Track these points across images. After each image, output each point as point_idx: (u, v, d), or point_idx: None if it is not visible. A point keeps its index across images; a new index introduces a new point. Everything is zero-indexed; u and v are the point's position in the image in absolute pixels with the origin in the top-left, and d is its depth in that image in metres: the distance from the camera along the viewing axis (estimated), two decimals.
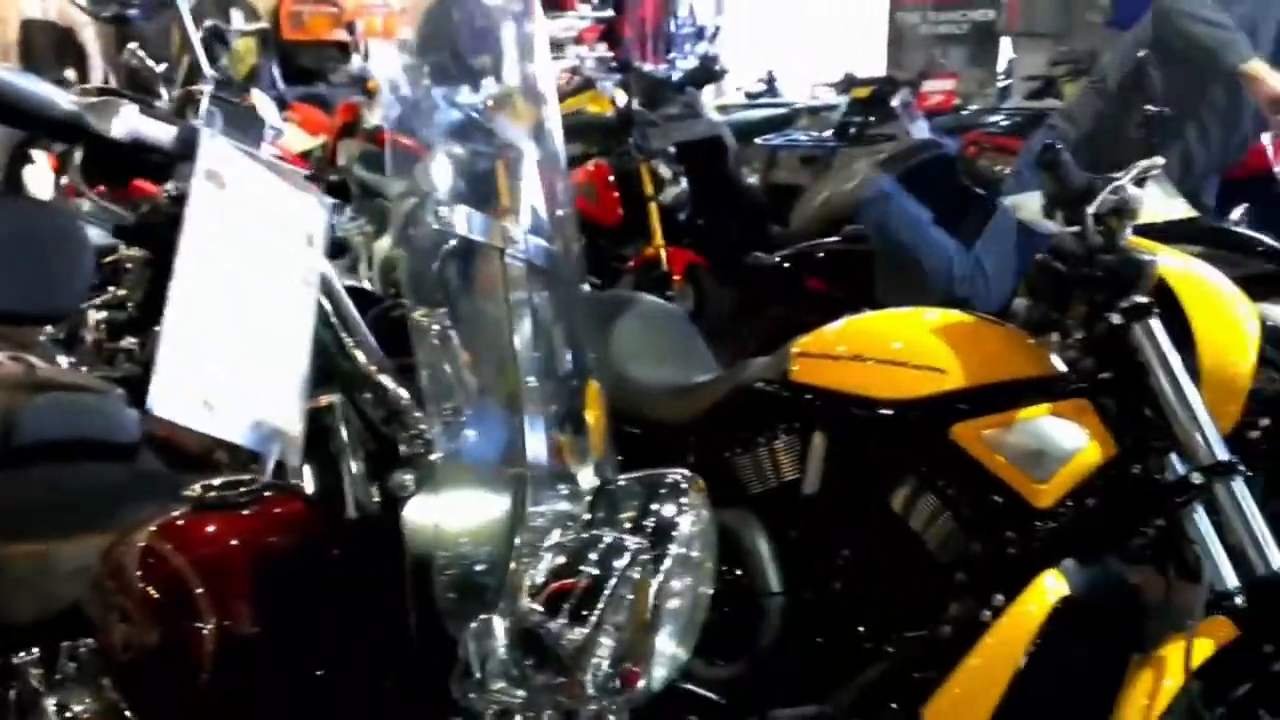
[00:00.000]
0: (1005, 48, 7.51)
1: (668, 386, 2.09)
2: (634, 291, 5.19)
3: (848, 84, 5.96)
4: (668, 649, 0.91)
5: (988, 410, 1.64)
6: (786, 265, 3.52)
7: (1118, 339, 1.56)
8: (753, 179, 5.91)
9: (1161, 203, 1.74)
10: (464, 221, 0.94)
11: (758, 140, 6.17)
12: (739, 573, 1.80)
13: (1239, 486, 1.48)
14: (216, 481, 0.98)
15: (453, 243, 0.97)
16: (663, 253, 5.22)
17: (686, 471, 0.92)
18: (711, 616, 1.81)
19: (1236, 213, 2.50)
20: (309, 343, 0.88)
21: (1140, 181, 1.60)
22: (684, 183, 5.35)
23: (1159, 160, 1.63)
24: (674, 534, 0.88)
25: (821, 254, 3.50)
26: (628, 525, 0.88)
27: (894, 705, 1.61)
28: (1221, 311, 1.65)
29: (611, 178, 5.27)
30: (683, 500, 0.90)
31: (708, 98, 7.52)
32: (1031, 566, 1.57)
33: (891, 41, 8.24)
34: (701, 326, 5.44)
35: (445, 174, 0.99)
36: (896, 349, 1.75)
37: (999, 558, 1.60)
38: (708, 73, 7.04)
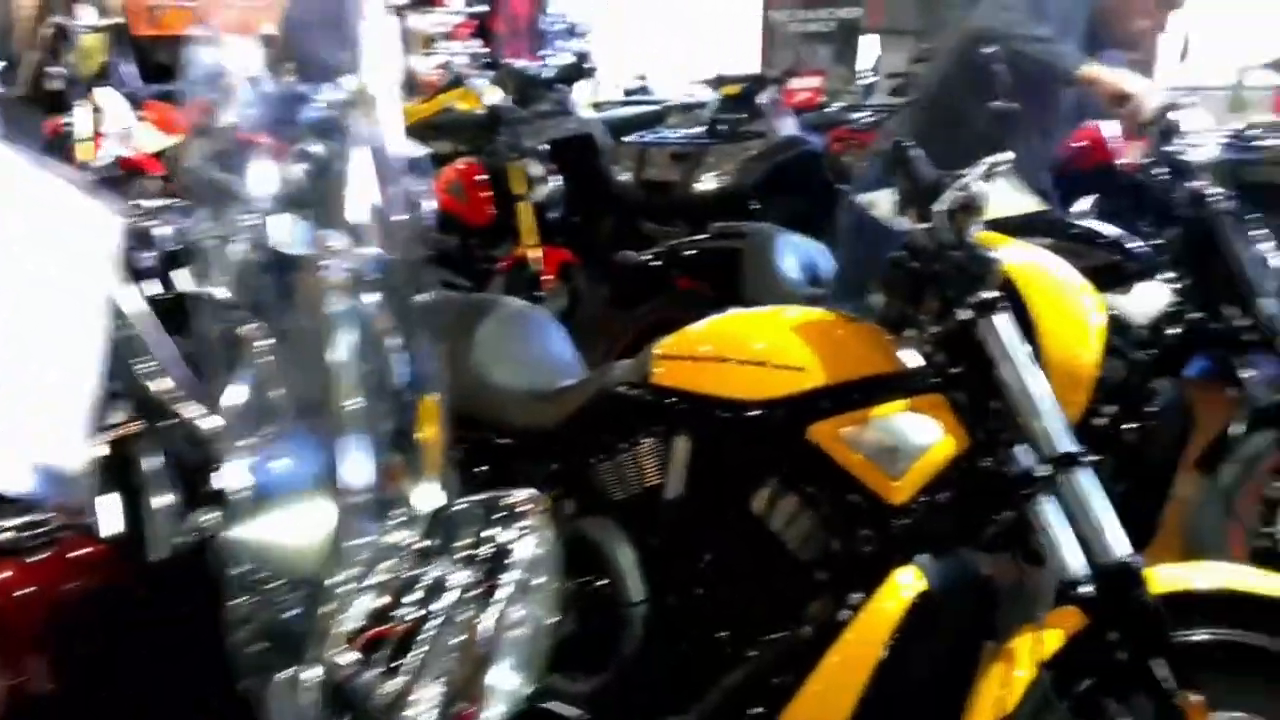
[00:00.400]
0: (873, 45, 7.68)
1: (531, 392, 2.04)
2: (500, 294, 5.15)
3: (718, 82, 6.00)
4: (507, 682, 0.86)
5: (845, 408, 1.64)
6: (655, 263, 3.49)
7: (967, 334, 1.58)
8: (625, 176, 5.88)
9: (1010, 198, 1.77)
10: (282, 231, 0.88)
11: (629, 138, 6.15)
12: (602, 583, 1.76)
13: (1086, 476, 1.52)
14: (8, 523, 0.89)
15: (276, 251, 0.90)
16: (535, 252, 5.17)
17: (530, 491, 0.87)
18: (573, 629, 1.79)
19: (1086, 203, 2.58)
20: (96, 372, 0.81)
21: (988, 177, 1.62)
22: (555, 181, 5.30)
23: (1007, 155, 1.65)
24: (513, 561, 0.83)
25: (690, 251, 3.49)
26: (463, 554, 0.83)
27: (755, 710, 1.60)
28: (1065, 304, 1.69)
29: (481, 176, 5.18)
30: (524, 524, 0.85)
31: (581, 95, 7.50)
32: (889, 563, 1.58)
33: (765, 39, 8.35)
34: (576, 326, 5.42)
35: (273, 179, 0.92)
36: (756, 349, 1.74)
37: (857, 556, 1.61)
38: (579, 69, 6.99)
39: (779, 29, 8.19)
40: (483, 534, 0.84)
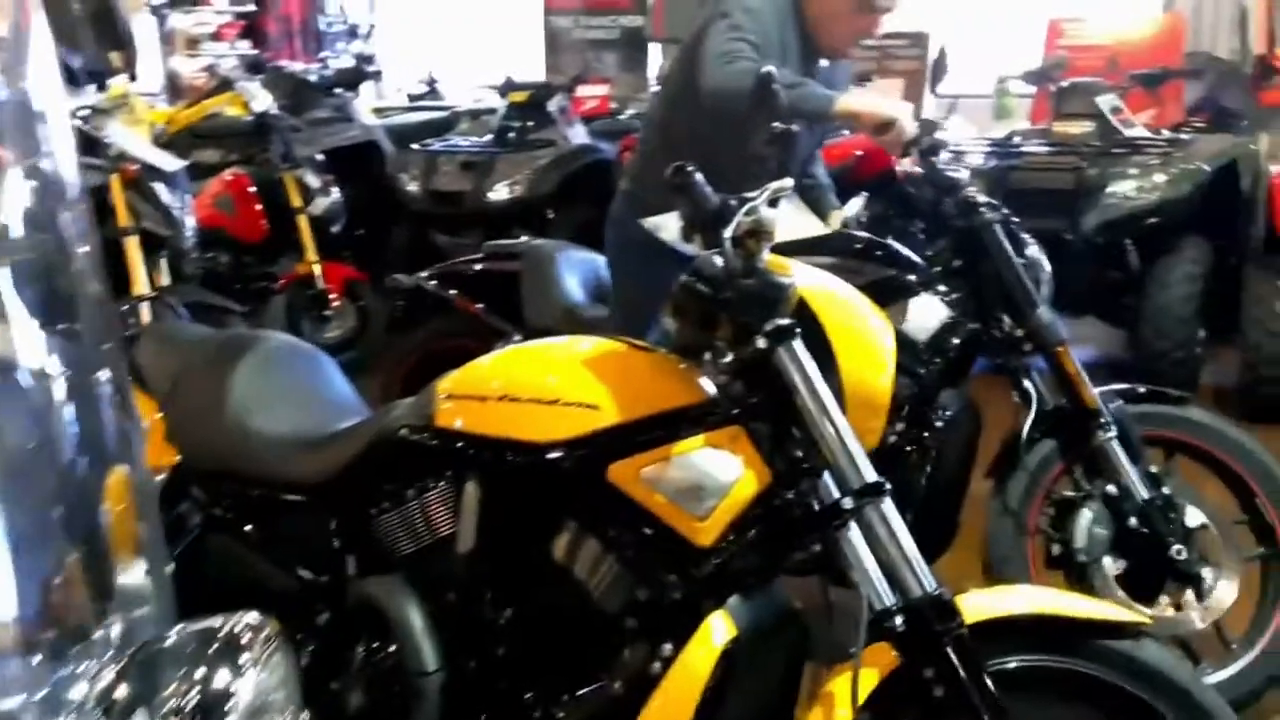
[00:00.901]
0: (658, 54, 7.72)
1: (301, 439, 1.84)
2: (280, 316, 4.82)
3: (507, 88, 5.83)
4: None
5: (644, 447, 1.54)
6: (431, 284, 3.31)
7: (764, 363, 1.51)
8: (413, 186, 5.64)
9: (796, 220, 1.72)
10: None
11: (416, 145, 5.91)
12: (390, 651, 1.59)
13: (888, 507, 1.47)
14: None
15: None
16: (316, 269, 4.87)
17: (254, 615, 0.71)
18: (360, 706, 1.62)
19: (856, 204, 2.56)
20: None
21: (774, 201, 1.55)
22: (335, 192, 5.01)
23: (788, 181, 1.60)
24: (234, 708, 0.67)
25: (466, 272, 3.34)
26: (168, 707, 0.66)
27: None
28: (859, 330, 1.65)
29: (252, 188, 4.83)
30: (245, 657, 0.69)
31: (364, 100, 7.18)
32: (700, 608, 1.49)
33: (548, 45, 8.23)
34: (367, 350, 5.14)
35: None
36: (547, 386, 1.61)
37: (666, 603, 1.51)
38: (359, 73, 6.69)
39: (561, 35, 8.11)
40: (195, 675, 0.67)
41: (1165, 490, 2.21)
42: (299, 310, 4.82)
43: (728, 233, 1.48)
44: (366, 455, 1.74)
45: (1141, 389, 2.39)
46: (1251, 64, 5.74)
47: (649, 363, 1.66)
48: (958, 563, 2.28)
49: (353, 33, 10.82)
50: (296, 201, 4.89)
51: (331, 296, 4.89)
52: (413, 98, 8.56)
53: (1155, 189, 3.99)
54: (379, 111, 7.32)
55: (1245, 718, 2.12)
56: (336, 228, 5.11)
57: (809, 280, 1.65)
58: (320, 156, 5.13)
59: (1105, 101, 4.22)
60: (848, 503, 1.46)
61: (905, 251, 2.34)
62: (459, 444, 1.65)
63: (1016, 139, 4.38)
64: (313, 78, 6.78)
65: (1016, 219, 4.05)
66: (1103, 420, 2.22)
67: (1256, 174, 4.46)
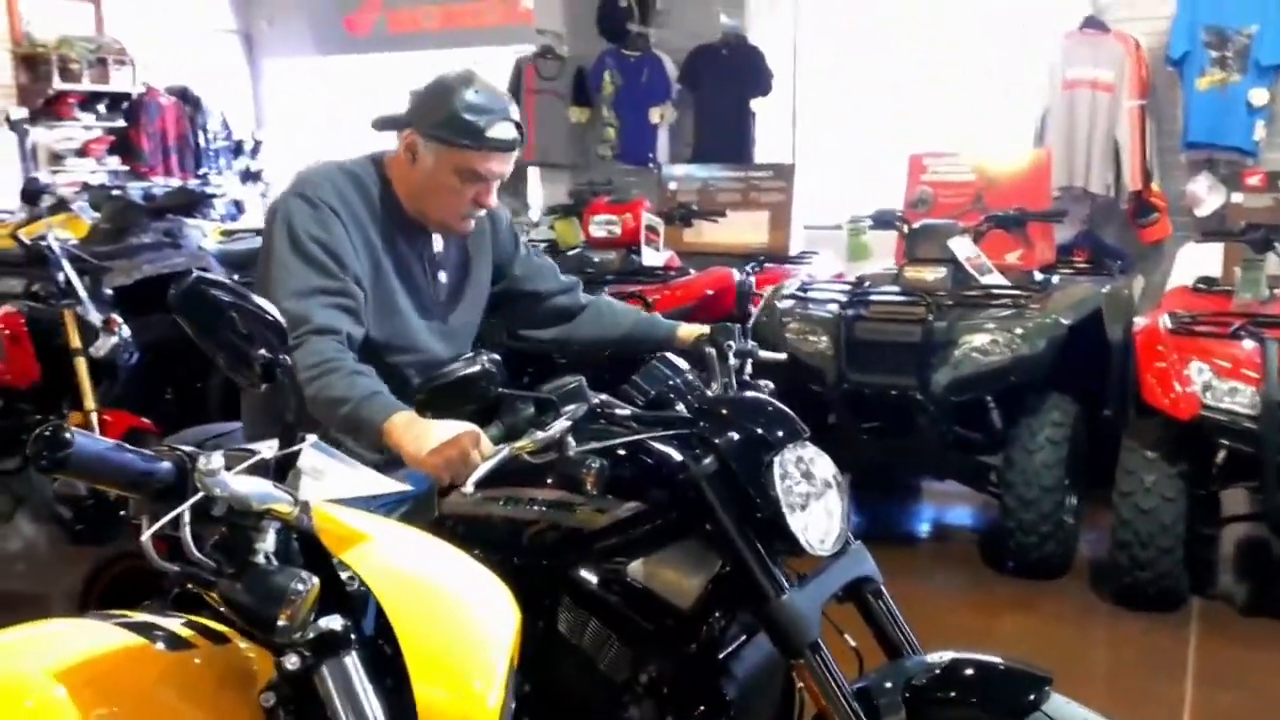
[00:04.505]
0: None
1: None
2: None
3: None
4: None
5: None
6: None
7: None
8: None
9: (336, 476, 1.22)
10: None
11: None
12: None
13: None
14: None
15: None
16: (94, 418, 4.28)
17: None
18: None
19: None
20: None
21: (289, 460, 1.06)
22: (123, 331, 4.45)
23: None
24: None
25: None
26: None
27: None
28: (442, 639, 1.17)
29: (24, 327, 4.26)
30: None
31: (209, 224, 6.71)
32: None
33: None
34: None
35: None
36: None
37: None
38: (190, 195, 6.24)
39: None
40: None
41: None
42: None
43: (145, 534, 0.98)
44: None
45: None
46: (1127, 199, 5.50)
47: (169, 669, 1.15)
48: None
49: (238, 149, 10.43)
50: (75, 342, 4.32)
51: None
52: None
53: (1009, 345, 3.58)
54: (228, 234, 6.81)
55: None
56: (128, 369, 4.53)
57: (380, 559, 1.15)
58: (108, 292, 4.57)
59: (958, 245, 3.85)
60: None
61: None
62: None
63: (867, 283, 3.98)
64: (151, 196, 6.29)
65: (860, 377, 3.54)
66: None
67: (1128, 323, 4.11)
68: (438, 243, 2.12)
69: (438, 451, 1.54)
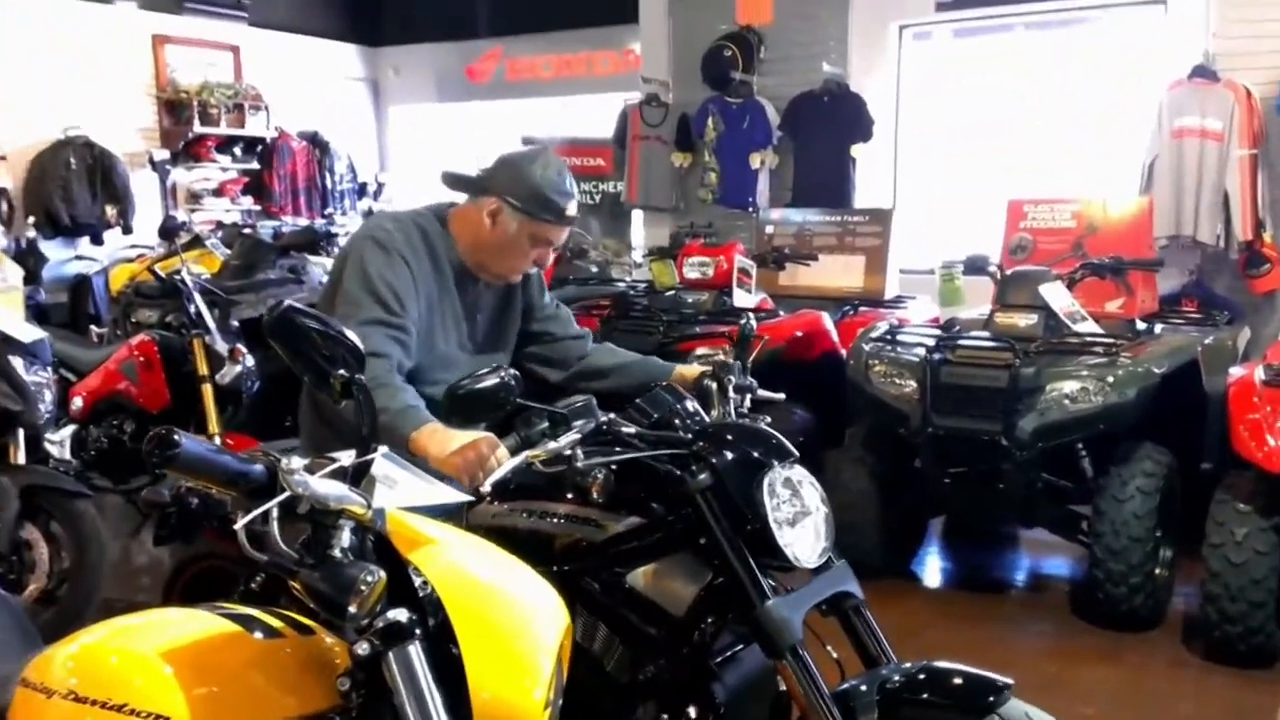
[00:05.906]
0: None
1: None
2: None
3: None
4: None
5: None
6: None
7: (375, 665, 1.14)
8: None
9: (406, 485, 1.37)
10: None
11: None
12: None
13: None
14: None
15: None
16: (216, 441, 4.57)
17: None
18: None
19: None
20: None
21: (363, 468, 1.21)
22: (247, 360, 4.76)
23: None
24: None
25: None
26: None
27: None
28: (497, 634, 1.31)
29: (157, 355, 4.60)
30: None
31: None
32: None
33: None
34: None
35: None
36: (116, 685, 1.25)
37: None
38: (315, 234, 6.60)
39: None
40: None
41: None
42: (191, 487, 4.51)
43: (239, 524, 1.14)
44: None
45: None
46: (1238, 250, 5.37)
47: (261, 655, 1.30)
48: None
49: (362, 190, 10.94)
50: (203, 369, 4.65)
51: None
52: None
53: (1098, 392, 3.55)
54: None
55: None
56: (248, 396, 4.83)
57: (445, 562, 1.28)
58: (235, 323, 4.89)
59: (1051, 291, 3.84)
60: None
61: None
62: None
63: (956, 328, 3.99)
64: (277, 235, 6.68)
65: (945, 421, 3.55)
66: None
67: (1228, 373, 4.02)
68: (481, 288, 2.34)
69: (458, 453, 1.72)
